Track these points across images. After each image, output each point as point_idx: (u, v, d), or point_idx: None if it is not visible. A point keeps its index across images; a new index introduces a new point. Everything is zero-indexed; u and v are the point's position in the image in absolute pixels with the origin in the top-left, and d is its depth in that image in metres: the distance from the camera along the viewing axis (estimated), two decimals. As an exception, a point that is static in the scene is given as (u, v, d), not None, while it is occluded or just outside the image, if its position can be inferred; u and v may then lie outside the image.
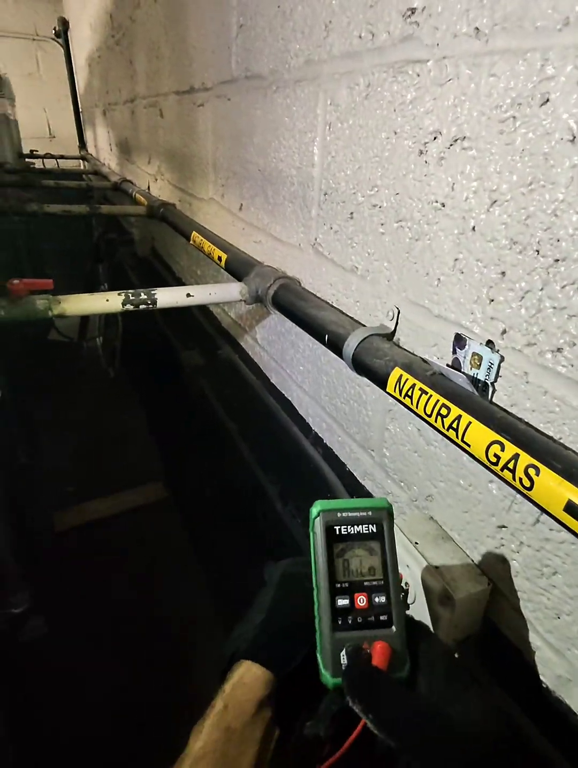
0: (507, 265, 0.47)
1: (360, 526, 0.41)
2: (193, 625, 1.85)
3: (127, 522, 2.31)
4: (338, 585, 0.40)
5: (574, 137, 0.39)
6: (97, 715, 1.56)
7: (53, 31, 3.94)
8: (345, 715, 0.35)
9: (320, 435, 0.92)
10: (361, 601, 0.40)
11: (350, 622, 0.39)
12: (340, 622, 0.39)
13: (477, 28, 0.46)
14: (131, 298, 0.80)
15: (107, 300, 0.79)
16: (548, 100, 0.41)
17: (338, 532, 0.41)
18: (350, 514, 0.41)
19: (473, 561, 0.58)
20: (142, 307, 0.81)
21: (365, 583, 0.40)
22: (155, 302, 0.81)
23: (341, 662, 0.38)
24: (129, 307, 0.80)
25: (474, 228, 0.50)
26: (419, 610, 0.55)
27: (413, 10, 0.53)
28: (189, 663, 1.74)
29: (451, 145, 0.51)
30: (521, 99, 0.43)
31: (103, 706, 1.58)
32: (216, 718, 0.37)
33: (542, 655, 0.50)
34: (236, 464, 1.30)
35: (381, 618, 0.39)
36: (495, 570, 0.55)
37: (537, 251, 0.44)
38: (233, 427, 1.35)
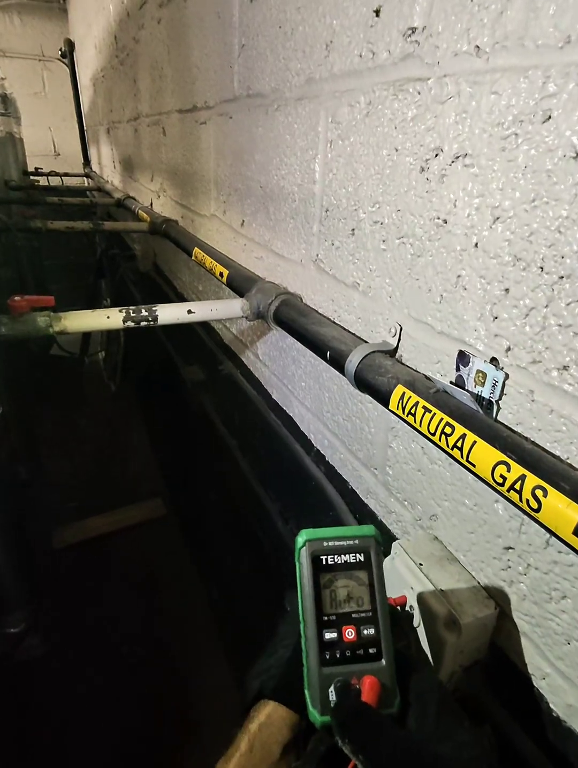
0: (511, 281, 0.47)
1: (347, 555, 0.40)
2: (193, 643, 1.82)
3: (128, 539, 2.29)
4: (326, 617, 0.38)
5: (577, 154, 0.39)
6: (95, 735, 1.53)
7: (59, 52, 4.02)
8: (334, 754, 0.34)
9: (322, 452, 0.90)
10: (349, 634, 0.38)
11: (338, 656, 0.38)
12: (328, 657, 0.38)
13: (477, 47, 0.46)
14: (132, 314, 0.80)
15: (108, 317, 0.78)
16: (550, 117, 0.41)
17: (324, 562, 0.40)
18: (336, 544, 0.40)
19: (479, 583, 0.56)
20: (143, 323, 0.81)
21: (354, 615, 0.39)
22: (155, 319, 0.81)
23: (330, 699, 0.36)
24: (130, 323, 0.80)
25: (476, 244, 0.50)
26: (425, 634, 0.54)
27: (413, 30, 0.53)
28: (189, 682, 1.71)
29: (453, 162, 0.51)
30: (523, 116, 0.43)
31: (102, 725, 1.55)
32: (242, 759, 0.36)
33: (552, 683, 0.49)
34: (237, 481, 1.28)
35: (370, 651, 0.38)
36: (501, 593, 0.53)
37: (541, 268, 0.43)
38: (233, 443, 1.34)
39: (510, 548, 0.51)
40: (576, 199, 0.40)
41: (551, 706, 0.49)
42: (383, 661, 0.38)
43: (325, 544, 0.40)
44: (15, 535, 1.79)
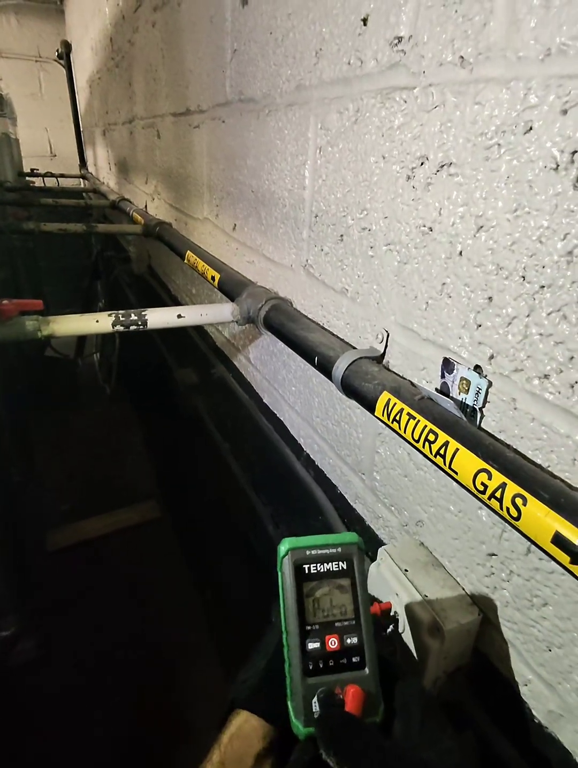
0: (494, 290, 0.47)
1: (330, 564, 0.40)
2: (186, 646, 1.82)
3: (122, 541, 2.28)
4: (309, 627, 0.38)
5: (557, 165, 0.39)
6: (87, 739, 1.52)
7: (56, 53, 4.01)
8: (317, 765, 0.33)
9: (311, 456, 0.91)
10: (332, 643, 0.38)
11: (321, 665, 0.37)
12: (311, 667, 0.37)
13: (461, 57, 0.47)
14: (122, 318, 0.80)
15: (97, 321, 0.78)
16: (531, 129, 0.41)
17: (307, 571, 0.39)
18: (319, 552, 0.40)
19: (464, 589, 0.56)
20: (132, 328, 0.81)
21: (337, 624, 0.39)
22: (145, 323, 0.81)
23: (314, 710, 0.36)
24: (119, 328, 0.80)
25: (461, 253, 0.50)
26: (409, 640, 0.54)
27: (399, 39, 0.54)
28: (183, 685, 1.71)
29: (438, 170, 0.52)
30: (505, 127, 0.43)
31: (95, 730, 1.55)
32: None
33: (534, 689, 0.49)
34: (229, 484, 1.28)
35: (354, 659, 0.38)
36: (485, 599, 0.53)
37: (523, 277, 0.44)
38: (226, 446, 1.34)
39: (494, 555, 0.51)
40: (556, 210, 0.40)
41: (533, 712, 0.49)
42: (367, 670, 0.38)
43: (308, 552, 0.40)
44: (8, 537, 1.78)
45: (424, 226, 0.54)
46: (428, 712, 0.37)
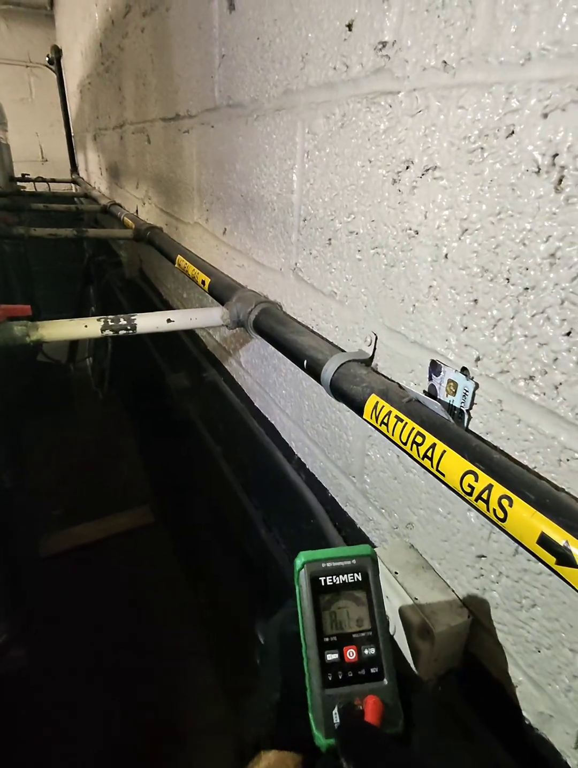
0: (479, 292, 0.47)
1: (345, 576, 0.40)
2: (180, 651, 1.81)
3: (115, 546, 2.27)
4: (327, 639, 0.38)
5: (539, 169, 0.40)
6: (80, 746, 1.51)
7: (46, 58, 4.00)
8: None
9: (302, 460, 0.91)
10: (350, 654, 0.38)
11: (340, 677, 0.38)
12: (330, 678, 0.38)
13: (444, 62, 0.47)
14: (111, 323, 0.79)
15: (86, 326, 0.78)
16: (513, 133, 0.41)
17: (323, 583, 0.40)
18: (334, 564, 0.40)
19: (453, 591, 0.56)
20: (122, 332, 0.80)
21: (354, 636, 0.39)
22: (134, 328, 0.81)
23: (334, 721, 0.36)
24: (108, 332, 0.79)
25: (446, 256, 0.50)
26: (400, 643, 0.54)
27: (384, 44, 0.54)
28: (176, 690, 1.70)
29: (423, 174, 0.52)
30: (488, 130, 0.44)
31: (88, 736, 1.53)
32: None
33: (524, 690, 0.49)
34: (222, 488, 1.28)
35: (372, 670, 0.38)
36: (475, 601, 0.54)
37: (508, 280, 0.44)
38: (218, 450, 1.34)
39: (482, 556, 0.52)
40: (539, 213, 0.40)
41: (523, 713, 0.49)
42: (385, 680, 0.38)
43: (323, 565, 0.40)
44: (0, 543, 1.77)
45: (410, 229, 0.55)
46: (445, 723, 0.37)
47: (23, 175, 3.78)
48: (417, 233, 0.54)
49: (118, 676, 1.71)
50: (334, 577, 0.40)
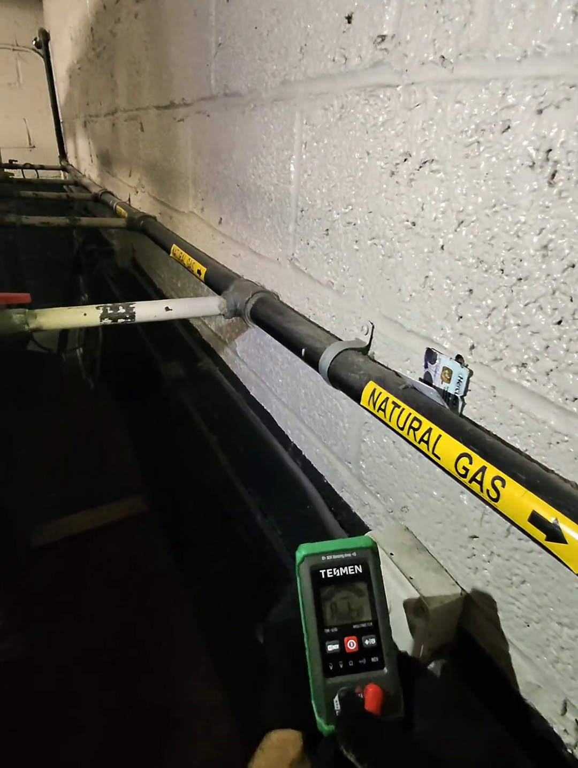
0: (474, 283, 0.49)
1: (346, 568, 0.41)
2: (174, 639, 1.83)
3: (108, 536, 2.28)
4: (327, 630, 0.40)
5: (533, 163, 0.41)
6: (74, 734, 1.53)
7: (33, 42, 3.94)
8: (342, 758, 0.35)
9: (299, 447, 0.92)
10: (351, 644, 0.40)
11: (341, 666, 0.39)
12: (331, 668, 0.39)
13: (442, 57, 0.48)
14: (110, 311, 0.80)
15: (85, 314, 0.79)
16: (509, 127, 0.43)
17: (324, 576, 0.41)
18: (334, 557, 0.41)
19: (447, 571, 0.59)
20: (120, 321, 0.81)
21: (354, 626, 0.40)
22: (133, 316, 0.82)
23: (335, 708, 0.38)
24: (107, 321, 0.80)
25: (442, 247, 0.52)
26: (396, 621, 0.56)
27: (383, 37, 0.55)
28: (170, 678, 1.72)
29: (420, 167, 0.53)
30: (484, 125, 0.45)
31: (82, 724, 1.55)
32: None
33: (513, 663, 0.51)
34: (217, 476, 1.30)
35: (372, 660, 0.39)
36: (467, 580, 0.56)
37: (502, 270, 0.46)
38: (213, 439, 1.35)
39: (475, 537, 0.54)
40: (533, 206, 0.42)
41: (512, 684, 0.52)
42: (386, 669, 0.39)
43: (323, 558, 0.41)
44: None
45: (407, 220, 0.56)
46: (451, 708, 0.38)
47: (10, 161, 3.73)
48: (414, 225, 0.55)
49: (114, 664, 1.72)
50: (335, 569, 0.41)
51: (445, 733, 0.36)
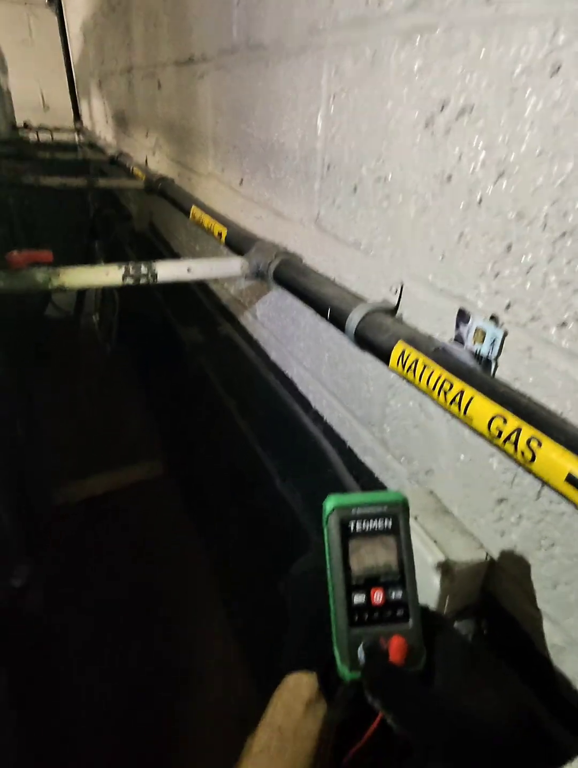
0: (513, 238, 0.47)
1: (375, 521, 0.40)
2: (191, 598, 1.88)
3: (127, 498, 2.32)
4: (354, 581, 0.39)
5: (585, 107, 0.39)
6: (91, 688, 1.59)
7: (46, -3, 3.83)
8: (358, 703, 0.36)
9: (320, 412, 0.92)
10: (377, 597, 0.39)
11: (366, 618, 0.39)
12: (356, 618, 0.39)
13: (488, -6, 0.45)
14: (132, 271, 0.79)
15: (107, 273, 0.78)
16: (559, 69, 0.40)
17: (352, 528, 0.40)
18: (364, 510, 0.40)
19: (472, 533, 0.59)
20: (142, 281, 0.80)
21: (382, 579, 0.40)
22: (155, 276, 0.81)
23: (359, 658, 0.38)
24: (129, 280, 0.79)
25: (480, 201, 0.50)
26: (420, 581, 0.56)
27: (422, -25, 0.52)
28: (187, 635, 1.77)
29: (459, 115, 0.51)
30: (532, 68, 0.43)
31: (99, 678, 1.61)
32: (267, 719, 0.40)
33: (539, 625, 0.51)
34: (235, 440, 1.30)
35: (398, 613, 0.39)
36: (493, 542, 0.56)
37: (544, 225, 0.44)
38: (232, 403, 1.35)
39: (503, 500, 0.53)
40: (582, 154, 0.40)
41: (539, 647, 0.52)
42: (410, 623, 0.39)
43: (353, 510, 0.40)
44: (16, 490, 1.82)
45: (443, 174, 0.54)
46: (470, 662, 0.39)
47: (25, 123, 3.67)
48: (450, 178, 0.53)
49: (133, 621, 1.78)
50: (364, 522, 0.40)
51: (465, 688, 0.37)
